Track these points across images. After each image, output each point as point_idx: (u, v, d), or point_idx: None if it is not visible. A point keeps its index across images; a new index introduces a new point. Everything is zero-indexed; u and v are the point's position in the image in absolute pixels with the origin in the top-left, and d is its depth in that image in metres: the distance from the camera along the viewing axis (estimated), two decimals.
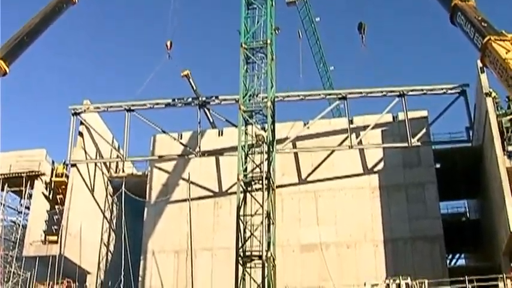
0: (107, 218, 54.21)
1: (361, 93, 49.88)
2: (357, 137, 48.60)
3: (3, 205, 50.04)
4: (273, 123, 40.93)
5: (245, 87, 41.12)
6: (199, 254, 47.49)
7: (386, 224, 46.59)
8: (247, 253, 37.11)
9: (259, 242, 36.83)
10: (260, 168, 39.06)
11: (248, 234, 37.68)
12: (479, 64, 41.42)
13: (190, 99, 51.75)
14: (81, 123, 52.08)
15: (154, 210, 50.85)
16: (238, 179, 38.79)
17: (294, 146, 49.76)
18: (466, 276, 37.70)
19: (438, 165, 48.64)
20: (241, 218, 37.95)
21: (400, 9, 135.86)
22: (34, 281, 45.82)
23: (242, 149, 39.78)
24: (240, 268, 36.60)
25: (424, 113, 49.12)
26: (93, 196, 52.26)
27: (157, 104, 51.77)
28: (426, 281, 38.14)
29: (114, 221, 54.69)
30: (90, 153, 52.47)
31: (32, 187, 49.90)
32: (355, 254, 46.26)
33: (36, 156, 50.32)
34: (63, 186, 50.12)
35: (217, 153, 50.52)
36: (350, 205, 47.63)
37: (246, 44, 41.99)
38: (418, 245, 45.75)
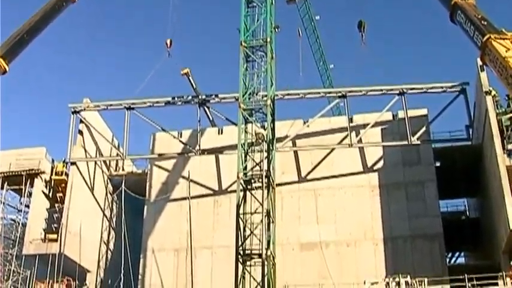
0: (106, 217, 54.22)
1: (361, 91, 49.90)
2: (356, 136, 48.60)
3: (3, 203, 50.00)
4: (273, 121, 40.92)
5: (245, 85, 41.13)
6: (199, 253, 47.52)
7: (386, 222, 46.61)
8: (247, 251, 37.11)
9: (259, 240, 36.87)
10: (260, 167, 39.08)
11: (248, 232, 37.68)
12: (479, 62, 41.53)
13: (190, 98, 51.72)
14: (81, 121, 52.08)
15: (154, 208, 50.87)
16: (238, 178, 38.79)
17: (294, 145, 49.76)
18: (466, 275, 37.72)
19: (438, 164, 48.69)
20: (241, 216, 37.95)
21: (400, 7, 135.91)
22: (34, 279, 45.81)
23: (242, 147, 39.78)
24: (240, 266, 36.60)
25: (424, 111, 49.13)
26: (93, 194, 52.26)
27: (157, 102, 51.75)
28: (426, 279, 38.18)
29: (114, 219, 54.70)
30: (90, 151, 52.48)
31: (31, 185, 49.85)
32: (355, 253, 46.29)
33: (36, 155, 50.27)
34: (63, 185, 50.10)
35: (217, 151, 50.53)
36: (350, 203, 47.66)
37: (246, 42, 41.98)
38: (417, 243, 45.78)
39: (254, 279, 36.56)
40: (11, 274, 47.25)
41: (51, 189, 50.78)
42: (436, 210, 46.64)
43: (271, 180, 38.55)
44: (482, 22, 36.50)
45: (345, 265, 45.73)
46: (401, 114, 48.78)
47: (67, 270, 45.97)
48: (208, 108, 52.48)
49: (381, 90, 49.46)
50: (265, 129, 40.25)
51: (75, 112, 51.94)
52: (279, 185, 43.85)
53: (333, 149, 49.26)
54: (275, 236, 37.85)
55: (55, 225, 48.86)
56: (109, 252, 53.58)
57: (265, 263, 35.99)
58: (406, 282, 38.29)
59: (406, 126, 47.16)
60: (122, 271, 46.45)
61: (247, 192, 38.82)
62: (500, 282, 37.89)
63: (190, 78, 52.06)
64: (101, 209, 53.49)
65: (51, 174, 50.70)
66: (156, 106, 51.97)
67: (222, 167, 50.50)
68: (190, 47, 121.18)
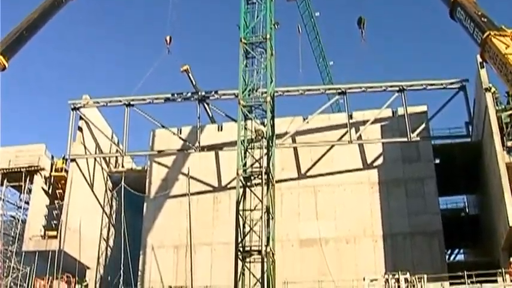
0: (106, 213, 54.23)
1: (360, 88, 49.81)
2: (356, 132, 48.56)
3: (3, 200, 50.04)
4: (273, 118, 40.96)
5: (245, 82, 41.16)
6: (199, 249, 47.53)
7: (386, 219, 46.62)
8: (247, 248, 37.22)
9: (259, 237, 36.94)
10: (259, 163, 39.13)
11: (247, 229, 37.78)
12: (479, 59, 41.47)
13: (189, 94, 51.69)
14: (81, 118, 52.04)
15: (153, 205, 50.90)
16: (237, 174, 38.85)
17: (294, 141, 49.76)
18: (465, 271, 37.73)
19: (437, 161, 48.68)
20: (241, 213, 38.02)
21: (399, 4, 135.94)
22: (34, 275, 45.79)
23: (241, 143, 39.82)
24: (240, 263, 36.70)
25: (424, 108, 49.11)
26: (92, 191, 52.26)
27: (156, 98, 51.73)
28: (425, 276, 38.20)
29: (114, 216, 54.72)
30: (90, 148, 52.46)
31: (31, 182, 49.89)
32: (355, 249, 46.32)
33: (35, 151, 50.31)
34: (63, 181, 50.12)
35: (217, 148, 50.52)
36: (349, 200, 47.67)
37: (246, 38, 42.01)
38: (417, 240, 45.80)
39: (254, 275, 36.63)
40: (11, 271, 47.31)
41: (51, 186, 50.81)
42: (436, 207, 46.65)
43: (270, 177, 38.60)
44: (482, 19, 36.47)
45: (344, 262, 45.76)
46: (400, 111, 48.76)
47: (67, 266, 45.98)
48: (207, 104, 52.47)
49: (381, 87, 49.38)
50: (264, 126, 40.28)
51: (74, 109, 51.92)
52: (278, 181, 43.92)
53: (332, 146, 49.25)
54: (275, 232, 37.90)
55: (55, 221, 48.90)
56: (109, 248, 53.62)
57: (265, 259, 36.08)
58: (406, 279, 38.33)
59: (406, 123, 47.15)
60: (122, 268, 46.47)
61: (247, 189, 38.90)
62: (499, 279, 37.93)
63: (189, 74, 51.96)
64: (101, 205, 53.51)
65: (51, 171, 50.76)
66: (155, 103, 51.96)
67: (222, 163, 50.51)
68: (190, 44, 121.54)
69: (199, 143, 49.80)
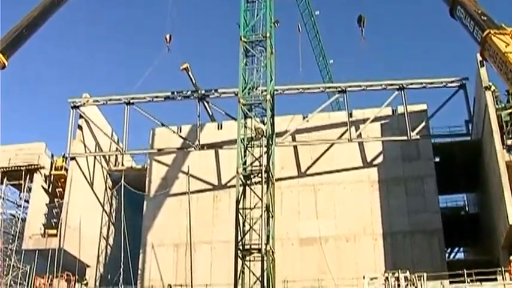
0: (106, 212, 54.22)
1: (360, 86, 49.82)
2: (356, 131, 48.57)
3: (3, 198, 50.04)
4: (273, 116, 40.95)
5: (244, 80, 41.14)
6: (199, 248, 47.50)
7: (386, 217, 46.61)
8: (247, 246, 37.22)
9: (259, 235, 36.93)
10: (259, 162, 39.13)
11: (247, 227, 37.78)
12: (479, 58, 41.42)
13: (189, 93, 51.67)
14: (81, 116, 52.03)
15: (153, 203, 50.89)
16: (237, 172, 38.84)
17: (294, 139, 49.75)
18: (465, 270, 37.77)
19: (437, 159, 48.67)
20: (241, 211, 38.02)
21: (399, 3, 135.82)
22: (34, 274, 45.83)
23: (241, 142, 39.81)
24: (239, 261, 36.69)
25: (424, 107, 49.09)
26: (92, 189, 52.25)
27: (156, 97, 51.71)
28: (425, 275, 38.19)
29: (114, 215, 54.70)
30: (90, 146, 52.46)
31: (31, 180, 49.88)
32: (354, 248, 46.30)
33: (35, 150, 50.29)
34: (63, 180, 50.11)
35: (217, 146, 50.51)
36: (349, 198, 47.66)
37: (246, 37, 41.99)
38: (417, 238, 45.80)
39: (254, 274, 36.64)
40: (11, 269, 47.35)
41: (51, 184, 50.81)
42: (436, 206, 46.65)
43: (270, 175, 38.60)
44: (482, 17, 36.46)
45: (344, 260, 45.75)
46: (400, 109, 48.75)
47: (67, 265, 46.00)
48: (207, 103, 52.43)
49: (381, 85, 49.39)
50: (264, 124, 40.26)
51: (74, 107, 51.89)
52: (278, 180, 43.95)
53: (332, 144, 49.23)
54: (274, 231, 37.91)
55: (54, 220, 48.92)
56: (108, 247, 53.61)
57: (265, 258, 36.06)
58: (406, 278, 38.31)
59: (406, 121, 47.15)
60: (122, 266, 46.42)
61: (247, 187, 38.87)
62: (499, 277, 37.98)
63: (189, 73, 51.92)
64: (101, 204, 53.50)
65: (51, 169, 50.76)
66: (155, 101, 51.94)
67: (222, 162, 50.49)
68: (189, 42, 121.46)
69: (199, 141, 49.81)
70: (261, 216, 37.18)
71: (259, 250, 36.47)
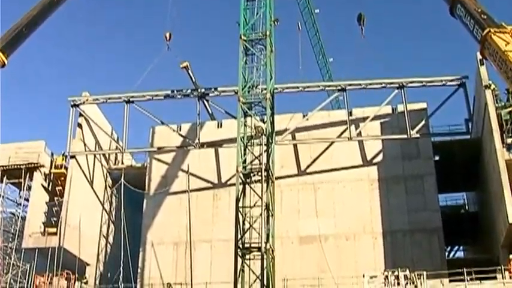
0: (106, 210, 54.23)
1: (360, 85, 49.82)
2: (356, 129, 48.57)
3: (3, 197, 49.96)
4: (272, 114, 40.93)
5: (244, 78, 41.13)
6: (198, 246, 47.54)
7: (385, 216, 46.62)
8: (246, 245, 37.19)
9: (258, 233, 36.93)
10: (259, 160, 39.12)
11: (247, 226, 37.75)
12: (479, 56, 41.45)
13: (189, 91, 51.64)
14: (80, 114, 52.03)
15: (153, 202, 50.89)
16: (237, 171, 38.83)
17: (293, 138, 49.74)
18: (465, 268, 37.79)
19: (437, 158, 48.68)
20: (240, 209, 38.00)
21: (399, 1, 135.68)
22: (33, 272, 45.82)
23: (241, 140, 39.79)
24: (239, 260, 36.67)
25: (423, 105, 49.10)
26: (92, 188, 52.25)
27: (156, 95, 51.72)
28: (425, 273, 38.22)
29: (113, 213, 54.72)
30: (89, 145, 52.47)
31: (31, 179, 49.84)
32: (354, 246, 46.32)
33: (35, 148, 50.22)
34: (62, 178, 50.08)
35: (217, 144, 50.51)
36: (349, 197, 47.68)
37: (245, 35, 41.97)
38: (416, 237, 45.81)
39: (253, 272, 36.64)
40: (11, 267, 47.34)
41: (51, 183, 50.77)
42: (435, 204, 46.65)
43: (270, 174, 38.58)
44: (482, 16, 36.44)
45: (344, 259, 45.78)
46: (400, 107, 48.73)
47: (66, 263, 45.99)
48: (207, 101, 52.41)
49: (381, 83, 49.38)
50: (264, 123, 40.25)
51: (74, 105, 51.90)
52: (278, 178, 43.96)
53: (332, 143, 49.25)
54: (274, 229, 37.89)
55: (54, 218, 48.87)
56: (108, 245, 53.64)
57: (265, 256, 36.07)
58: (405, 276, 38.34)
59: (406, 120, 47.13)
60: (122, 264, 46.42)
61: (247, 186, 38.86)
62: (498, 276, 38.02)
63: (189, 71, 51.89)
64: (100, 202, 53.51)
65: (51, 168, 50.72)
66: (155, 99, 51.94)
67: (222, 160, 50.49)
68: (189, 41, 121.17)
69: (199, 139, 49.81)
70: (261, 214, 37.17)
71: (259, 248, 36.46)
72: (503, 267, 38.22)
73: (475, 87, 47.47)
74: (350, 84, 49.62)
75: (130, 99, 51.16)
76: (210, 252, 47.75)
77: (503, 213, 38.98)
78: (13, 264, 47.44)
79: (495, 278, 38.10)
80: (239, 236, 37.26)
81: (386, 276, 38.81)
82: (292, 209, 47.92)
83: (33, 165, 49.45)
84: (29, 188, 50.20)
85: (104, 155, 54.82)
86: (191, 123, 51.56)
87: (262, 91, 40.65)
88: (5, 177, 49.59)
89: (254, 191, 38.43)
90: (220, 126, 51.77)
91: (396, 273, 38.59)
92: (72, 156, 50.52)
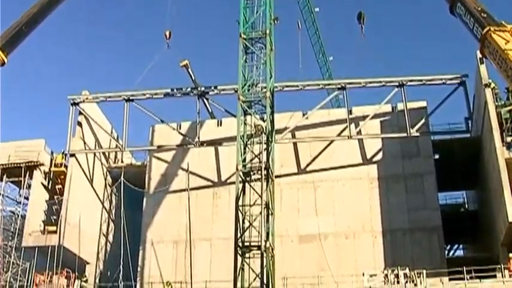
0: (106, 208, 54.24)
1: (360, 83, 49.80)
2: (355, 128, 48.51)
3: (2, 195, 50.00)
4: (272, 113, 40.96)
5: (244, 77, 41.15)
6: (198, 244, 47.55)
7: (385, 214, 46.62)
8: (246, 243, 37.23)
9: (258, 232, 36.97)
10: (259, 159, 39.15)
11: (247, 224, 37.78)
12: (479, 55, 41.45)
13: (189, 89, 51.65)
14: (80, 113, 52.02)
15: (153, 200, 50.90)
16: (237, 169, 38.85)
17: (293, 136, 49.72)
18: (464, 267, 37.80)
19: (437, 156, 48.66)
20: (240, 208, 38.03)
21: (399, 0, 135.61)
22: (33, 271, 45.83)
23: (241, 139, 39.81)
24: (239, 258, 36.71)
25: (423, 104, 49.09)
26: (92, 186, 52.26)
27: (156, 94, 51.72)
28: (424, 272, 38.30)
29: (113, 211, 54.73)
30: (89, 143, 52.47)
31: (31, 177, 49.87)
32: (354, 245, 46.31)
33: (35, 147, 50.23)
34: (62, 176, 50.08)
35: (216, 143, 50.50)
36: (349, 196, 47.67)
37: (245, 34, 42.00)
38: (416, 235, 45.79)
39: (253, 271, 36.66)
40: (11, 266, 47.31)
41: (51, 181, 50.80)
42: (435, 203, 46.64)
43: (270, 172, 38.61)
44: (482, 14, 36.40)
45: (343, 257, 45.78)
46: (400, 106, 48.72)
47: (66, 262, 46.01)
48: (207, 100, 52.41)
49: (380, 82, 49.36)
50: (264, 121, 40.25)
51: (74, 104, 51.91)
52: (278, 176, 44.01)
53: (332, 141, 49.23)
54: (274, 228, 37.92)
55: (54, 217, 48.87)
56: (108, 244, 53.66)
57: (264, 254, 36.09)
58: (405, 275, 38.41)
59: (405, 119, 47.11)
60: (121, 263, 46.44)
61: (246, 184, 38.89)
62: (498, 274, 38.01)
63: (189, 70, 51.88)
64: (100, 201, 53.51)
65: (50, 166, 50.74)
66: (155, 98, 51.96)
67: (221, 158, 50.49)
68: (189, 39, 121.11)
69: (198, 138, 49.80)
70: (261, 213, 37.21)
71: (259, 247, 36.49)
72: (503, 266, 38.22)
73: (475, 85, 47.47)
74: (350, 83, 49.61)
75: (130, 98, 51.17)
76: (209, 251, 47.75)
77: (503, 212, 38.99)
78: (13, 262, 47.41)
79: (495, 276, 38.09)
80: (239, 235, 37.28)
81: (386, 275, 38.89)
82: (292, 208, 47.92)
83: (33, 163, 49.47)
84: (29, 186, 50.23)
85: (103, 153, 54.83)
86: (191, 121, 51.55)
87: (262, 89, 40.67)
88: (5, 176, 49.62)
89: (254, 190, 38.47)
90: (220, 125, 51.76)
91: (396, 271, 38.66)
92: (72, 155, 50.54)
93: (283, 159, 48.89)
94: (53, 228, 47.68)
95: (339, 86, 49.91)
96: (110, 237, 53.99)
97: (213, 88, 51.13)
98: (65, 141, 51.06)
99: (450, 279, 39.29)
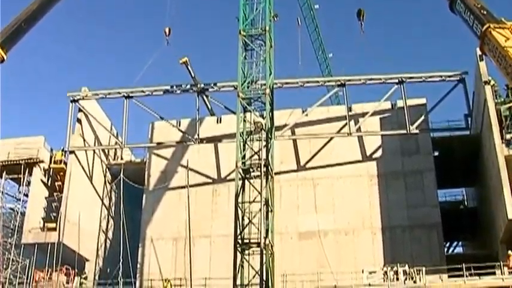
0: (105, 205, 54.22)
1: (360, 80, 49.78)
2: (355, 124, 48.51)
3: (2, 192, 50.05)
4: (272, 110, 40.96)
5: (244, 74, 41.15)
6: (198, 241, 47.56)
7: (385, 211, 46.62)
8: (246, 240, 37.28)
9: (258, 229, 36.99)
10: (258, 156, 39.17)
11: (246, 221, 37.81)
12: (478, 52, 41.41)
13: (188, 86, 51.59)
14: (80, 110, 51.99)
15: (152, 197, 50.88)
16: (236, 166, 38.84)
17: (293, 133, 49.71)
18: (464, 264, 37.81)
19: (436, 153, 48.62)
20: (240, 205, 38.05)
21: None
22: (33, 268, 45.88)
23: (241, 136, 39.81)
24: (238, 255, 36.75)
25: (423, 101, 49.05)
26: (91, 183, 52.24)
27: (155, 90, 51.66)
28: (424, 269, 38.34)
29: (113, 208, 54.70)
30: (89, 140, 52.43)
31: (30, 174, 49.91)
32: (353, 242, 46.31)
33: (34, 144, 50.25)
34: (62, 173, 50.10)
35: (216, 140, 50.48)
36: (348, 192, 47.64)
37: (245, 31, 42.00)
38: (416, 232, 45.79)
39: (253, 267, 36.70)
40: (10, 263, 47.38)
41: (50, 178, 50.84)
42: (435, 200, 46.65)
43: (269, 169, 38.62)
44: (482, 11, 36.40)
45: (343, 254, 45.78)
46: (400, 103, 48.69)
47: (66, 259, 46.04)
48: (207, 97, 52.36)
49: (380, 79, 49.33)
50: (263, 118, 40.25)
51: (73, 101, 51.86)
52: (277, 173, 44.05)
53: (331, 138, 49.19)
54: (273, 224, 37.95)
55: (54, 214, 48.94)
56: (108, 241, 53.66)
57: (264, 251, 36.12)
58: (404, 271, 38.45)
59: (405, 115, 47.09)
60: (121, 260, 46.42)
61: (246, 181, 38.89)
62: (497, 271, 38.02)
63: (188, 67, 51.82)
64: (100, 198, 53.49)
65: (50, 163, 50.77)
66: (154, 95, 51.90)
67: (221, 155, 50.47)
68: (189, 36, 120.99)
69: (198, 135, 49.77)
70: (260, 210, 37.23)
71: (258, 244, 36.52)
72: (502, 263, 38.22)
73: (475, 82, 47.45)
74: (349, 80, 49.59)
75: (130, 95, 51.11)
76: (209, 248, 47.75)
77: (502, 209, 39.01)
78: (12, 259, 47.50)
79: (494, 273, 38.12)
80: (238, 232, 37.31)
81: (386, 272, 38.92)
82: (291, 205, 47.90)
83: (32, 160, 49.51)
84: (29, 183, 50.27)
85: (103, 150, 54.81)
86: (190, 118, 51.49)
87: (261, 86, 40.68)
88: (5, 173, 49.67)
89: (253, 187, 38.49)
90: (220, 122, 51.72)
91: (395, 268, 38.69)
92: (72, 152, 50.52)
93: (282, 156, 48.87)
94: (53, 225, 47.70)
95: (339, 83, 49.88)
96: (110, 234, 53.99)
97: (212, 85, 51.07)
98: (64, 138, 51.07)
99: (449, 276, 39.30)
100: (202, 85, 51.00)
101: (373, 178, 47.93)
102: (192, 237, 46.19)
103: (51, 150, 51.46)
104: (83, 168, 51.37)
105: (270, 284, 35.98)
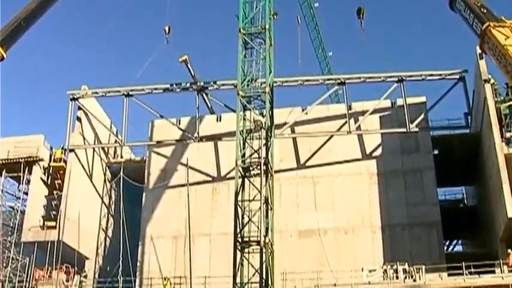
0: (105, 204, 54.23)
1: (359, 78, 49.78)
2: (355, 123, 48.50)
3: (2, 191, 50.02)
4: (271, 108, 40.94)
5: (243, 72, 41.13)
6: (197, 240, 47.60)
7: (384, 210, 46.62)
8: (245, 239, 37.28)
9: (257, 227, 36.97)
10: (258, 154, 39.14)
11: (246, 219, 37.80)
12: (478, 50, 41.39)
13: (188, 85, 51.56)
14: (79, 108, 51.98)
15: (152, 195, 50.87)
16: (236, 165, 38.84)
17: (293, 132, 49.69)
18: (463, 262, 37.78)
19: (436, 152, 48.63)
20: (240, 203, 38.05)
21: None
22: (33, 266, 45.89)
23: (240, 134, 39.80)
24: (238, 254, 36.74)
25: (423, 99, 49.04)
26: (91, 181, 52.23)
27: (155, 89, 51.65)
28: (423, 267, 38.29)
29: (113, 207, 54.70)
30: (88, 138, 52.43)
31: (30, 172, 49.87)
32: (353, 240, 46.34)
33: (34, 142, 50.20)
34: (62, 172, 50.04)
35: (216, 138, 50.47)
36: (348, 191, 47.65)
37: (244, 29, 41.96)
38: (415, 231, 45.80)
39: (252, 266, 36.71)
40: (10, 261, 47.38)
41: (50, 177, 50.77)
42: (434, 198, 46.65)
43: (269, 168, 38.62)
44: (482, 10, 36.40)
45: (343, 252, 45.81)
46: (399, 101, 48.66)
47: (66, 257, 46.04)
48: (206, 95, 52.36)
49: (380, 77, 49.30)
50: (263, 116, 40.23)
51: (73, 99, 51.85)
52: (277, 172, 44.01)
53: (331, 136, 49.20)
54: (273, 223, 37.96)
55: (54, 212, 48.89)
56: (107, 239, 53.66)
57: (264, 250, 36.13)
58: (404, 270, 38.42)
59: (405, 114, 47.07)
60: (121, 258, 46.46)
61: (246, 180, 38.89)
62: (497, 270, 38.01)
63: (188, 65, 51.81)
64: (100, 196, 53.49)
65: (50, 162, 50.68)
66: (154, 93, 51.86)
67: (221, 154, 50.47)
68: (189, 34, 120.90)
69: (198, 133, 49.78)
70: (260, 208, 37.23)
71: (258, 242, 36.52)
72: (501, 261, 38.17)
73: (475, 81, 47.42)
74: (349, 78, 49.59)
75: (130, 93, 51.09)
76: (209, 246, 47.76)
77: (502, 208, 38.99)
78: (12, 258, 47.50)
79: (493, 272, 38.10)
80: (238, 230, 37.32)
81: (385, 270, 38.88)
82: (291, 203, 47.92)
83: (32, 158, 49.44)
84: (28, 181, 50.22)
85: (103, 148, 54.80)
86: (190, 116, 51.49)
87: (261, 85, 40.66)
88: (4, 171, 49.62)
89: (253, 185, 38.49)
90: (220, 120, 51.72)
91: (395, 266, 38.67)
92: (71, 150, 50.50)
93: (282, 155, 48.87)
94: (53, 223, 47.70)
95: (339, 81, 49.84)
96: (109, 233, 54.00)
97: (212, 83, 51.06)
98: (64, 137, 51.05)
99: (449, 275, 39.24)
100: (202, 83, 50.98)
101: (373, 176, 47.94)
102: (192, 236, 46.23)
103: (51, 148, 51.44)
104: (82, 166, 51.36)
105: (269, 282, 36.01)
